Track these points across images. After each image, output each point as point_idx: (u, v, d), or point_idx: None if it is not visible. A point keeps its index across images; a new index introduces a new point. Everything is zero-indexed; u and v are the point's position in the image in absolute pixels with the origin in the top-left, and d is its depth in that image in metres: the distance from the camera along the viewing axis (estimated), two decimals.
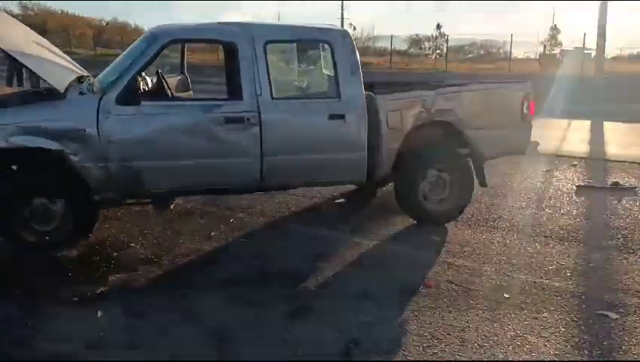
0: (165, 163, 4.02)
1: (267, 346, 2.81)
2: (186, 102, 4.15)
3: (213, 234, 4.49)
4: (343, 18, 44.94)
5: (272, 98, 4.13)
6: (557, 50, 32.97)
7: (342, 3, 50.11)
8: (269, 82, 4.12)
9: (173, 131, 4.01)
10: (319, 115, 4.24)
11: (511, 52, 21.84)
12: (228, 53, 4.99)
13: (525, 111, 4.82)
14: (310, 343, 2.83)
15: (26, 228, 3.97)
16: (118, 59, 4.58)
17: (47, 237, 4.02)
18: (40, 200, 3.95)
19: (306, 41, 4.64)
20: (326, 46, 4.37)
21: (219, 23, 4.32)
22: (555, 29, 22.11)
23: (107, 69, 4.63)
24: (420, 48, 41.72)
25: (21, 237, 3.99)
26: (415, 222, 4.73)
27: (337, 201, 5.47)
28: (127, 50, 4.54)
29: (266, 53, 4.14)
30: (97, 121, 3.85)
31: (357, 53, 4.35)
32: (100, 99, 3.87)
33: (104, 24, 40.25)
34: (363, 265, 3.90)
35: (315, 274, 3.70)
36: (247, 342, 2.84)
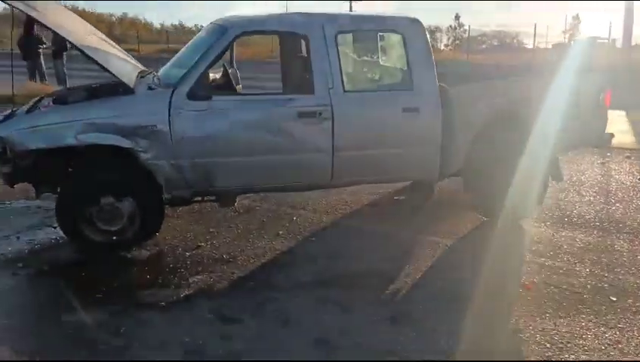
0: (237, 159, 3.88)
1: (374, 355, 2.66)
2: (258, 96, 3.99)
3: (280, 232, 4.35)
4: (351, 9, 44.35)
5: (344, 91, 3.97)
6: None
7: None
8: (341, 74, 3.96)
9: (245, 127, 3.87)
10: (392, 108, 4.08)
11: (535, 41, 21.49)
12: (290, 44, 4.85)
13: (601, 101, 4.62)
14: (419, 353, 2.67)
15: (92, 227, 3.85)
16: (181, 52, 4.44)
17: (113, 237, 3.90)
18: (108, 199, 3.82)
19: (377, 31, 4.47)
20: (397, 35, 4.19)
21: (286, 14, 4.16)
22: (577, 19, 21.53)
23: (169, 63, 4.50)
24: (434, 39, 41.40)
25: (87, 236, 3.87)
26: (485, 219, 4.56)
27: (396, 198, 5.30)
28: (192, 43, 4.40)
29: (337, 45, 3.97)
30: (169, 116, 3.71)
31: (429, 42, 4.17)
32: (172, 94, 3.73)
33: (114, 20, 40.28)
34: (447, 266, 3.75)
35: (400, 276, 3.55)
36: (352, 350, 2.70)
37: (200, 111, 3.76)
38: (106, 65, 3.71)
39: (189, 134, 3.75)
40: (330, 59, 3.93)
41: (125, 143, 3.69)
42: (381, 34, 4.54)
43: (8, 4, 3.48)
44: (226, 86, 3.97)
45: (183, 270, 3.65)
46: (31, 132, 3.61)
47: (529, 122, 4.42)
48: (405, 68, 4.13)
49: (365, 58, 4.72)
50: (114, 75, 3.75)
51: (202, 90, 3.74)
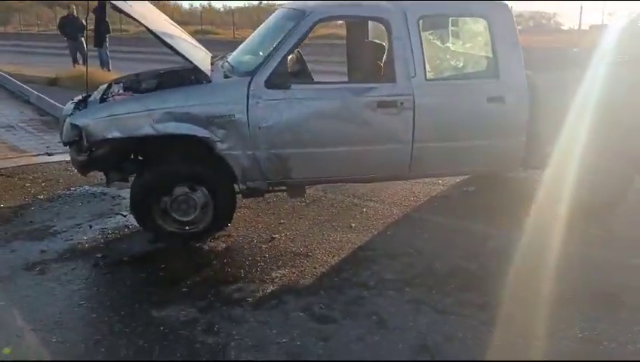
0: (314, 150, 3.76)
1: None
2: (337, 85, 3.85)
3: (353, 225, 4.23)
4: None
5: (427, 80, 3.80)
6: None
7: None
8: (424, 62, 3.78)
9: (323, 117, 3.73)
10: (477, 97, 3.88)
11: (580, 21, 20.65)
12: (360, 30, 4.68)
13: None
14: None
15: (166, 217, 3.79)
16: (252, 38, 4.31)
17: (186, 227, 3.84)
18: (182, 189, 3.76)
19: (461, 15, 4.25)
20: (482, 20, 3.97)
21: None
22: None
23: (238, 49, 4.38)
24: None
25: (160, 226, 3.81)
26: (564, 212, 4.33)
27: (466, 189, 5.11)
28: (265, 28, 4.26)
29: (419, 30, 3.79)
30: (247, 106, 3.60)
31: (516, 28, 3.94)
32: (250, 82, 3.61)
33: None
34: (542, 266, 3.54)
35: (490, 276, 3.40)
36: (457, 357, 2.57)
37: (278, 101, 3.64)
38: (183, 53, 3.61)
39: (266, 124, 3.64)
40: (413, 46, 3.75)
41: (202, 133, 3.60)
42: (465, 19, 4.31)
43: None
44: (301, 73, 3.83)
45: (262, 264, 3.56)
46: (108, 121, 3.55)
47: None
48: (490, 55, 3.92)
49: (448, 44, 4.51)
50: (193, 63, 3.64)
51: (281, 79, 3.61)
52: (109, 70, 12.02)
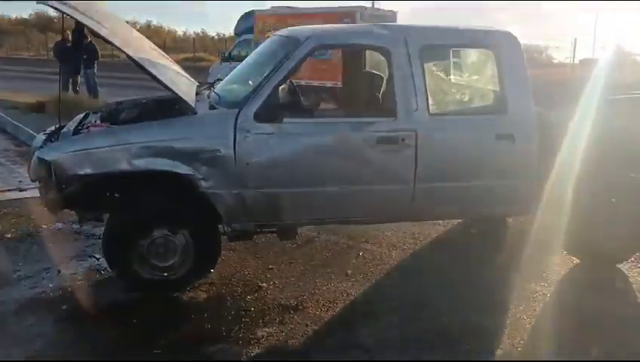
0: (308, 189, 3.43)
1: None
2: (333, 118, 3.53)
3: (349, 272, 3.86)
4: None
5: (430, 114, 3.49)
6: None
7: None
8: (426, 95, 3.48)
9: (318, 153, 3.41)
10: (484, 134, 3.58)
11: (574, 55, 20.73)
12: (357, 59, 4.40)
13: None
14: None
15: (142, 262, 3.40)
16: (242, 67, 4.00)
17: (164, 274, 3.45)
18: (161, 231, 3.38)
19: (466, 46, 3.97)
20: (489, 51, 3.69)
21: (364, 26, 3.70)
22: (619, 32, 20.57)
23: (227, 78, 4.07)
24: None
25: (136, 272, 3.42)
26: (577, 261, 4.03)
27: (468, 231, 4.77)
28: (257, 56, 3.95)
29: (422, 61, 3.49)
30: (234, 140, 3.26)
31: (525, 60, 3.66)
32: (237, 115, 3.28)
33: (137, 28, 40.23)
34: (566, 322, 3.19)
35: (504, 334, 3.03)
36: None
37: (269, 135, 3.31)
38: (166, 82, 3.29)
39: (255, 160, 3.30)
40: (415, 78, 3.45)
41: (184, 170, 3.26)
42: (471, 49, 4.04)
43: (66, 14, 3.09)
44: (294, 105, 3.52)
45: (247, 319, 3.18)
46: (80, 156, 3.20)
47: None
48: (498, 89, 3.63)
49: (452, 76, 4.22)
50: (176, 93, 3.31)
51: (271, 111, 3.29)
52: (95, 97, 11.68)
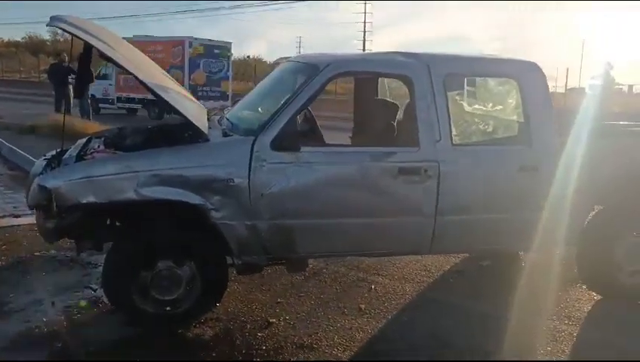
0: (326, 221, 3.26)
1: None
2: (352, 148, 3.38)
3: (362, 306, 3.67)
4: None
5: (453, 145, 3.35)
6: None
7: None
8: (450, 125, 3.35)
9: (337, 184, 3.25)
10: (507, 166, 3.45)
11: (567, 84, 20.91)
12: (370, 87, 4.28)
13: None
14: None
15: (144, 295, 3.18)
16: (255, 93, 3.85)
17: (167, 308, 3.23)
18: (166, 263, 3.18)
19: (490, 75, 3.85)
20: (513, 81, 3.58)
21: (386, 53, 3.57)
22: (608, 65, 20.80)
23: (239, 103, 3.92)
24: None
25: (137, 306, 3.20)
26: (599, 297, 3.87)
27: (481, 264, 4.60)
28: (270, 82, 3.81)
29: (445, 90, 3.37)
30: (249, 170, 3.09)
31: (549, 91, 3.56)
32: (253, 143, 3.11)
33: None
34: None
35: None
36: None
37: (286, 165, 3.14)
38: (179, 108, 3.11)
39: (271, 191, 3.13)
40: (438, 107, 3.32)
41: (195, 199, 3.07)
42: (495, 79, 3.93)
43: (78, 37, 2.94)
44: (311, 134, 3.36)
45: (259, 359, 2.95)
46: (84, 184, 3.00)
47: None
48: (522, 120, 3.51)
49: (476, 106, 4.10)
50: (189, 119, 3.14)
51: (289, 140, 3.12)
52: (89, 119, 11.49)
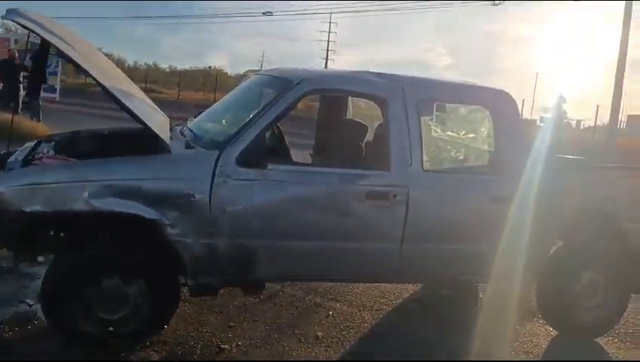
0: (289, 243, 3.10)
1: None
2: (321, 168, 3.24)
3: (320, 334, 3.51)
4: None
5: (424, 170, 3.27)
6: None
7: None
8: (421, 150, 3.27)
9: (303, 204, 3.12)
10: (478, 195, 3.40)
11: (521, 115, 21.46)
12: (336, 106, 4.17)
13: None
14: None
15: (86, 314, 2.93)
16: (221, 105, 3.68)
17: (110, 328, 2.97)
18: (112, 281, 2.93)
19: (462, 102, 3.80)
20: (484, 110, 3.56)
21: (361, 72, 3.47)
22: (561, 98, 21.37)
23: (202, 115, 3.73)
24: None
25: (77, 326, 2.93)
26: (555, 332, 3.87)
27: (442, 292, 4.53)
28: (238, 94, 3.65)
29: (418, 114, 3.30)
30: (211, 185, 2.90)
31: (520, 120, 3.55)
32: (218, 157, 2.93)
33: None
34: None
35: None
36: None
37: (251, 182, 2.98)
38: (140, 116, 2.91)
39: (233, 208, 2.96)
40: (411, 131, 3.24)
41: (150, 214, 2.86)
42: (467, 106, 3.89)
43: (35, 32, 2.70)
44: (279, 151, 3.21)
45: None
46: (29, 190, 2.76)
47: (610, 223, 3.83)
48: (493, 149, 3.48)
49: (448, 133, 4.05)
50: (150, 128, 2.93)
51: (256, 156, 2.96)
52: (38, 121, 10.91)
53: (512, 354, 3.51)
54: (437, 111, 3.99)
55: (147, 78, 30.48)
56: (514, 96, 3.55)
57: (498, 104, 3.50)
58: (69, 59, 2.80)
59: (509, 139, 3.45)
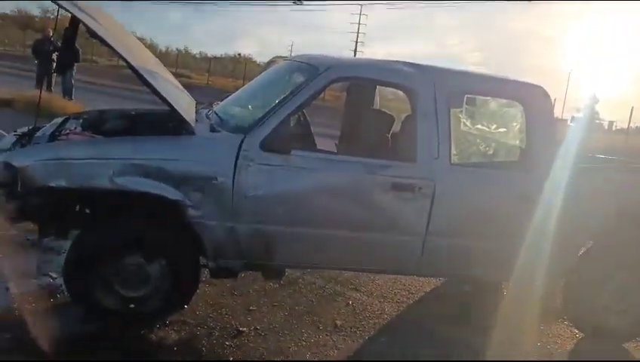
0: (309, 231, 3.08)
1: None
2: (345, 156, 3.19)
3: (339, 323, 3.48)
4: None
5: (451, 164, 3.20)
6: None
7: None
8: (449, 143, 3.20)
9: (326, 192, 3.08)
10: (505, 191, 3.31)
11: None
12: (366, 95, 4.10)
13: None
14: None
15: (107, 290, 2.96)
16: (247, 89, 3.66)
17: (131, 305, 3.00)
18: (134, 258, 2.96)
19: (495, 95, 3.70)
20: (518, 104, 3.45)
21: (390, 62, 3.41)
22: (594, 98, 20.79)
23: (229, 99, 3.72)
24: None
25: (99, 300, 2.97)
26: (581, 335, 3.76)
27: (462, 288, 4.45)
28: (264, 80, 3.62)
29: (448, 106, 3.22)
30: (235, 168, 2.89)
31: (554, 117, 3.43)
32: (242, 141, 2.92)
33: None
34: None
35: None
36: None
37: (274, 167, 2.95)
38: (166, 97, 2.90)
39: (255, 193, 2.94)
40: (439, 123, 3.17)
41: (173, 194, 2.87)
42: (499, 100, 3.78)
43: (68, 10, 2.71)
44: (304, 138, 3.18)
45: None
46: (55, 165, 2.78)
47: None
48: (525, 145, 3.38)
49: (478, 126, 3.95)
50: (175, 109, 2.93)
51: (280, 142, 2.94)
52: (70, 99, 11.11)
53: (534, 355, 3.42)
54: (467, 104, 3.89)
55: (177, 62, 30.69)
56: None
57: (532, 99, 3.39)
58: (96, 36, 2.80)
59: (542, 136, 3.34)
